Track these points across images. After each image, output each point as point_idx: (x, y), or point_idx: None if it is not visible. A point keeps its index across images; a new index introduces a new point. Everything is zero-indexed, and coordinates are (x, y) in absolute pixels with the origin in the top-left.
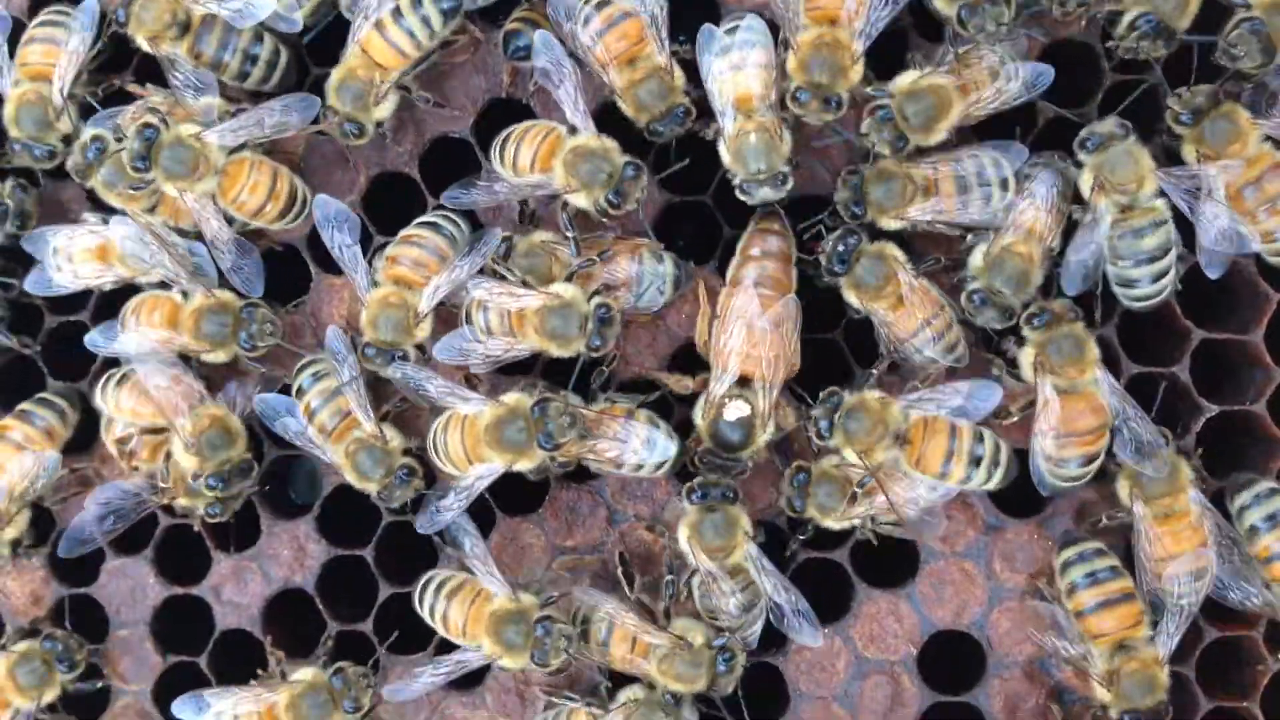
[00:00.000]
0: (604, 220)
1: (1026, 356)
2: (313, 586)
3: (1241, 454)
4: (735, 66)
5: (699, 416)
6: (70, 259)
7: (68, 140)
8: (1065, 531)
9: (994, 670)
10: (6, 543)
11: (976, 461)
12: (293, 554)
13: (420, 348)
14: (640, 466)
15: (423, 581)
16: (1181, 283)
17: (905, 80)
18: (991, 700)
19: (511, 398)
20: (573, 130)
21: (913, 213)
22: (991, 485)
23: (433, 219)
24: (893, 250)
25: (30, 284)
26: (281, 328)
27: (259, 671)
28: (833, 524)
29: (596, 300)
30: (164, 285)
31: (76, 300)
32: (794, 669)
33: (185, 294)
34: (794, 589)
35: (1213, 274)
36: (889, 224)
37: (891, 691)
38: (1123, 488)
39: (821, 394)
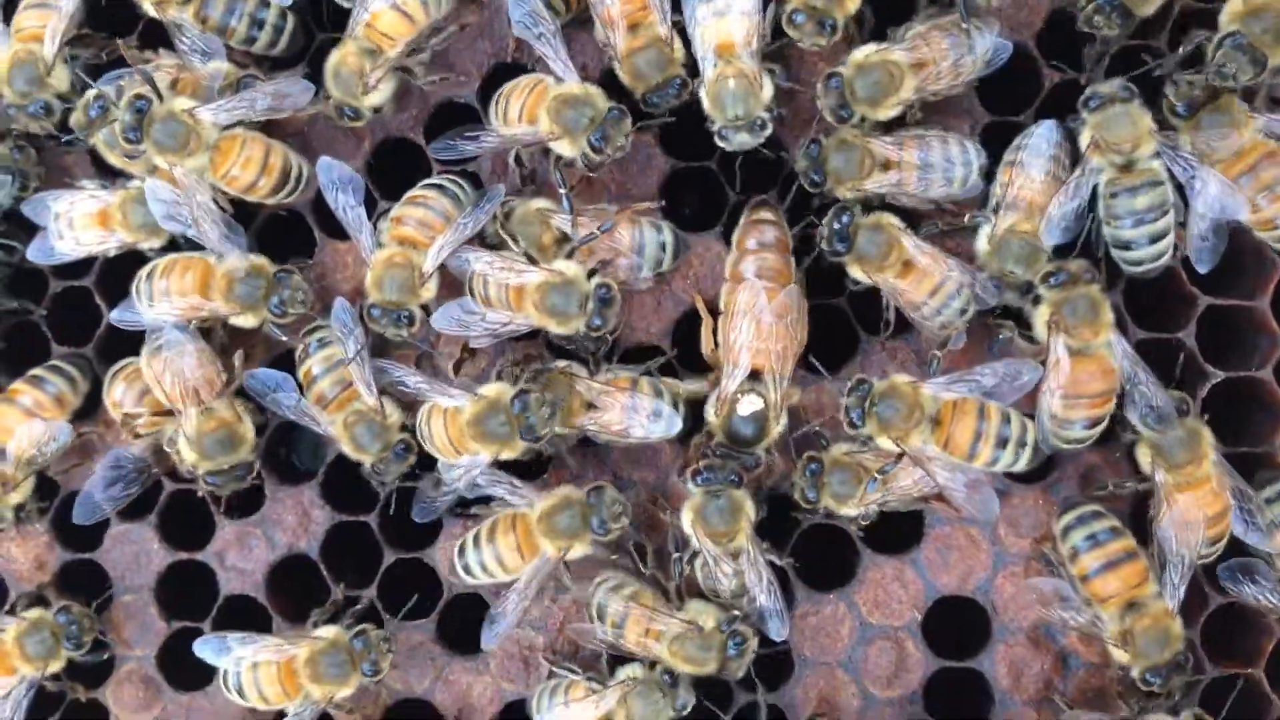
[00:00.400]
0: (591, 172)
1: (1041, 315)
2: (317, 553)
3: (1247, 420)
4: (719, 13)
5: (712, 413)
6: (71, 225)
7: (66, 100)
8: (1065, 498)
9: (999, 636)
10: (10, 507)
11: (1004, 442)
12: (297, 520)
13: (425, 309)
14: (647, 439)
15: None
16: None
17: (860, 54)
18: (996, 666)
19: (492, 390)
20: (559, 80)
21: (870, 185)
22: (1019, 466)
23: (438, 181)
24: (889, 218)
25: (33, 253)
26: (312, 297)
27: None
28: (850, 511)
29: (598, 280)
30: (171, 247)
31: (81, 265)
32: (798, 635)
33: (220, 255)
34: (777, 592)
35: (1202, 268)
36: (845, 194)
37: (896, 657)
38: (1143, 455)
39: (850, 382)
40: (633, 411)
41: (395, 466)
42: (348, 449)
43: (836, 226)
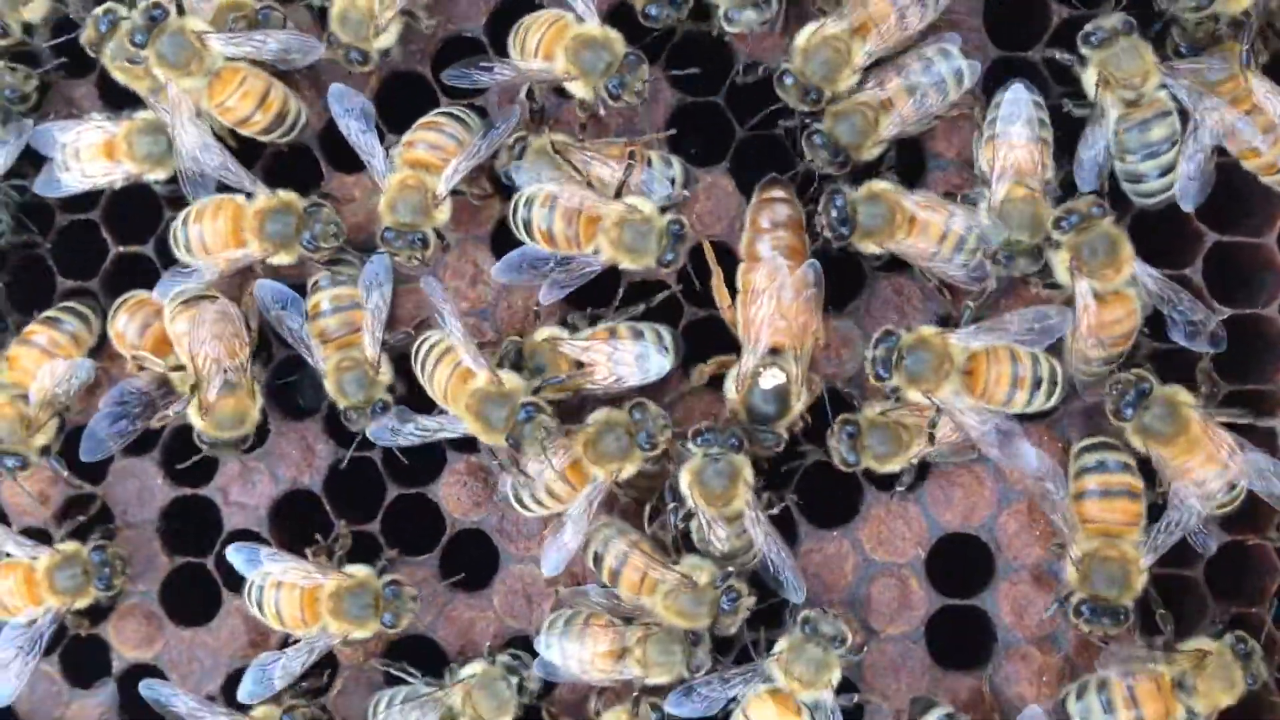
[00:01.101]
0: (601, 115)
1: (1061, 261)
2: (320, 487)
3: (1254, 358)
4: None
5: (732, 390)
6: (77, 156)
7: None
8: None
9: (1002, 574)
10: (34, 449)
11: (1038, 385)
12: (300, 454)
13: (439, 233)
14: (645, 381)
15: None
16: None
17: (801, 38)
18: (999, 604)
19: (511, 382)
20: (579, 20)
21: (884, 133)
22: (1050, 405)
23: (450, 109)
24: (880, 184)
25: (39, 186)
26: (344, 228)
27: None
28: (894, 469)
29: (670, 216)
30: (172, 182)
31: (88, 199)
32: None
33: (249, 195)
34: (786, 549)
35: (1188, 205)
36: (871, 154)
37: (899, 594)
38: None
39: (876, 334)
40: (617, 361)
41: (366, 421)
42: (330, 388)
43: (834, 213)
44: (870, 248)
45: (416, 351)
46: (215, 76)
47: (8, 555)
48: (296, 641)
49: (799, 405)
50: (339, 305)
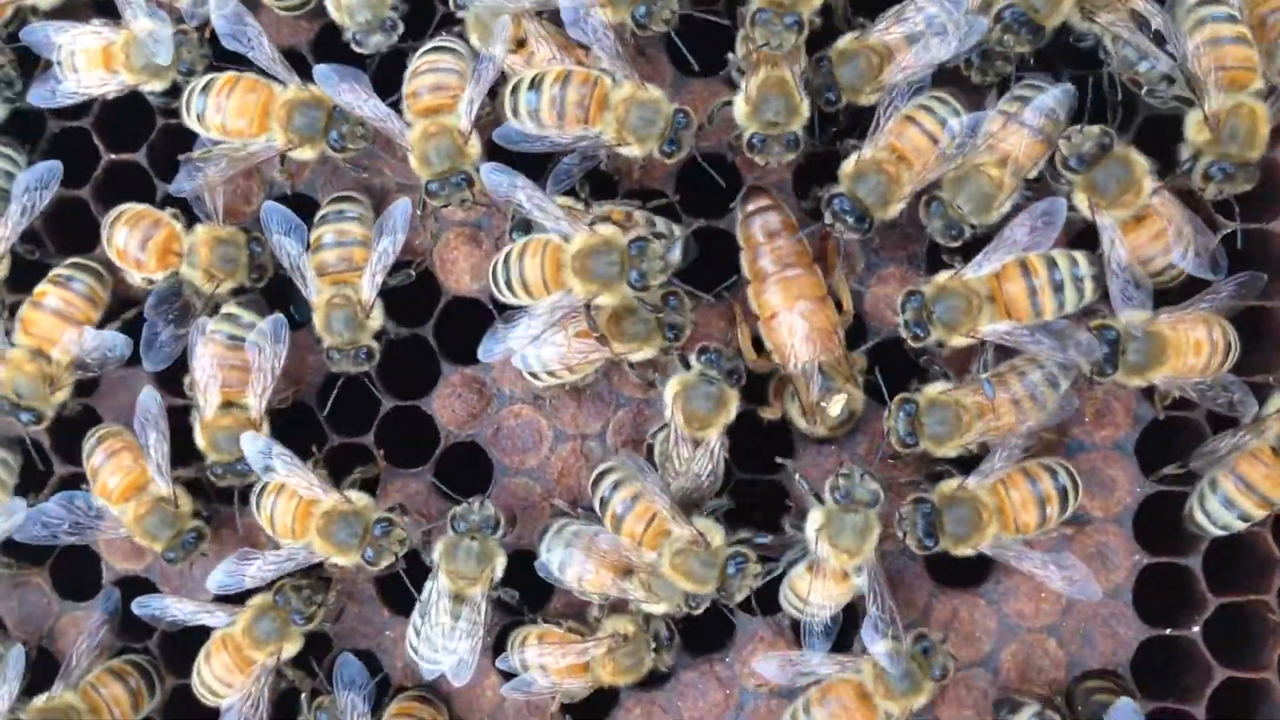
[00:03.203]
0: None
1: (1080, 201)
2: (314, 399)
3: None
4: None
5: (803, 424)
6: (75, 67)
7: None
8: None
9: None
10: (53, 405)
11: (1060, 286)
12: (293, 365)
13: (477, 169)
14: None
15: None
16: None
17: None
18: None
19: (608, 229)
20: None
21: (885, 78)
22: (1090, 298)
23: (434, 43)
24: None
25: (34, 96)
26: (372, 133)
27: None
28: (950, 453)
29: (677, 105)
30: (173, 92)
31: (79, 107)
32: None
33: (282, 83)
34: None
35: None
36: (869, 100)
37: None
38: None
39: (900, 299)
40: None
41: (348, 364)
42: (318, 323)
43: (834, 208)
44: (949, 452)
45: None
46: None
47: None
48: (281, 547)
49: (860, 397)
50: (342, 240)
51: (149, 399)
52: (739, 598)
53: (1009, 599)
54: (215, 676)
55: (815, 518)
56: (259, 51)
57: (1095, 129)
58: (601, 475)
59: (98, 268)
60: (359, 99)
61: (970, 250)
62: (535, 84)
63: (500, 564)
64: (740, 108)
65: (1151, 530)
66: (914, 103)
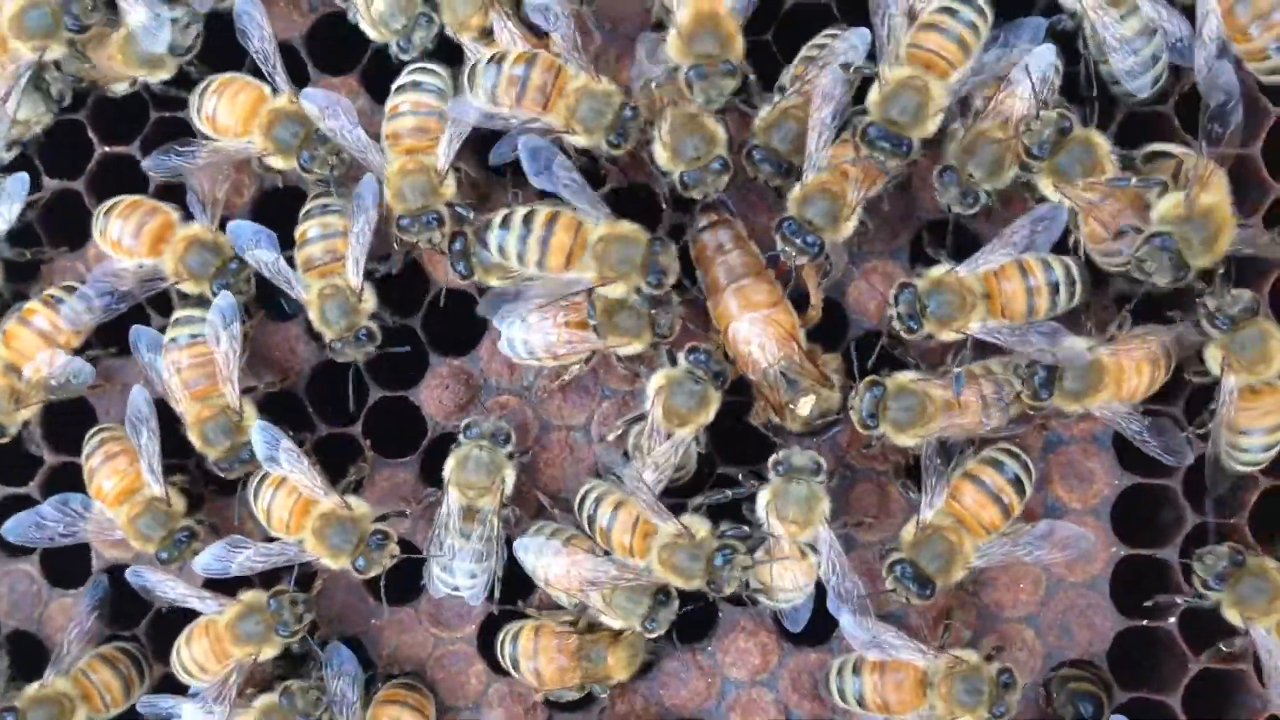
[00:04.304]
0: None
1: (1047, 188)
2: (303, 390)
3: (1239, 272)
4: None
5: (777, 422)
6: None
7: None
8: None
9: None
10: (17, 423)
11: (1055, 288)
12: (284, 356)
13: (453, 206)
14: None
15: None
16: (1181, 97)
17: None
18: None
19: (627, 226)
20: None
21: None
22: (1076, 302)
23: (414, 78)
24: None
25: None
26: (346, 164)
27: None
28: (908, 441)
29: (629, 102)
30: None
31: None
32: None
33: (275, 88)
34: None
35: (1142, 93)
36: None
37: (878, 500)
38: (1213, 356)
39: (893, 291)
40: None
41: (352, 350)
42: (314, 318)
43: (790, 235)
44: (906, 441)
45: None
46: None
47: None
48: (273, 540)
49: (835, 395)
50: (326, 232)
51: (139, 397)
52: (729, 589)
53: (987, 590)
54: (192, 659)
55: (763, 495)
56: (261, 51)
57: (1053, 114)
58: (583, 498)
59: (90, 294)
60: (341, 127)
61: (961, 245)
62: (496, 61)
63: (509, 477)
64: (661, 154)
65: (1129, 523)
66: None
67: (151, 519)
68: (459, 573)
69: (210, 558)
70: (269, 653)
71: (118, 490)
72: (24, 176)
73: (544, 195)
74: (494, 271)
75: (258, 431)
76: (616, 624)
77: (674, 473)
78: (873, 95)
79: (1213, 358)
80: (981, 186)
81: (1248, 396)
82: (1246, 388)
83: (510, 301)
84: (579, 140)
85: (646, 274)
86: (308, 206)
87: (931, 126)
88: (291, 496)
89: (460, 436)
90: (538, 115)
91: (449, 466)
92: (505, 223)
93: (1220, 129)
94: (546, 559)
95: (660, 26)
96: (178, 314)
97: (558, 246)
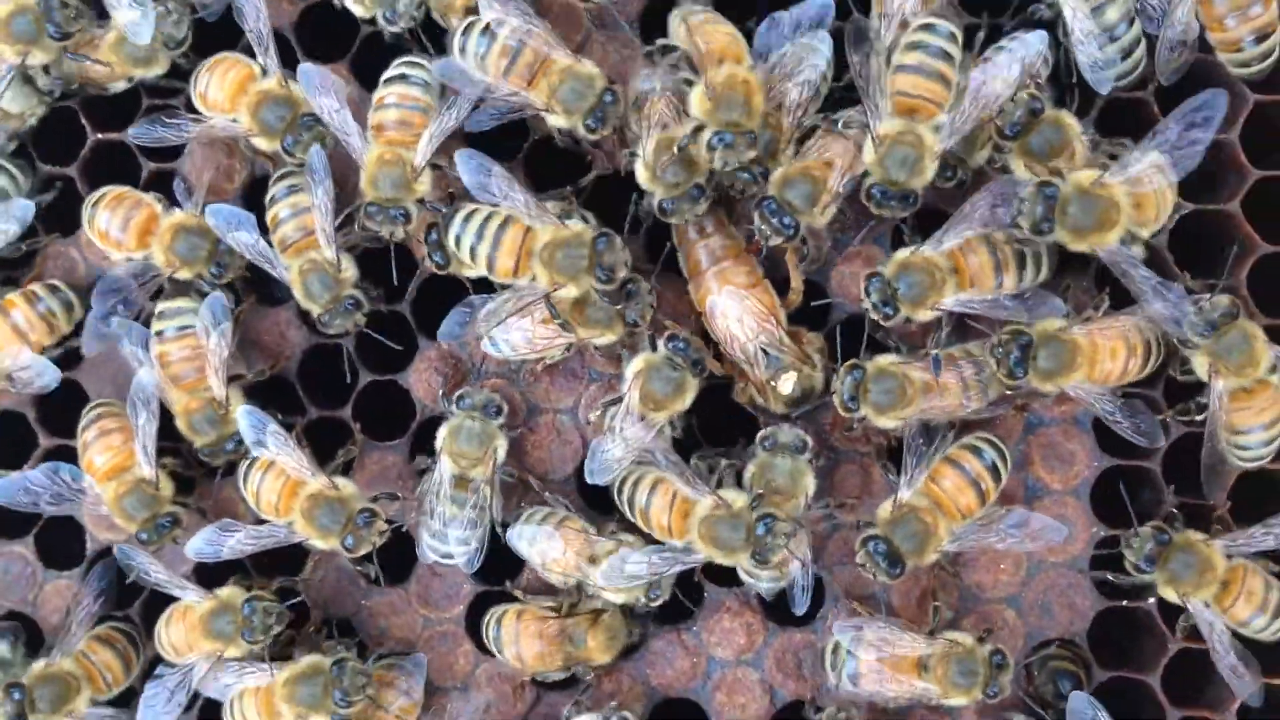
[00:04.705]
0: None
1: (1018, 167)
2: (294, 374)
3: (1216, 254)
4: None
5: (760, 401)
6: None
7: None
8: None
9: None
10: None
11: (1023, 261)
12: (274, 341)
13: (422, 202)
14: None
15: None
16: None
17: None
18: None
19: (577, 225)
20: None
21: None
22: (1044, 275)
23: (401, 70)
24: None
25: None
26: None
27: None
28: (888, 423)
29: (610, 89)
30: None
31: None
32: None
33: (264, 71)
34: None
35: (1102, 89)
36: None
37: (861, 481)
38: (1200, 364)
39: (864, 276)
40: None
41: (341, 320)
42: (298, 295)
43: (774, 222)
44: (887, 423)
45: None
46: None
47: None
48: (263, 523)
49: (818, 375)
50: (296, 211)
51: (147, 380)
52: (775, 559)
53: (969, 571)
54: (170, 642)
55: (750, 469)
56: (255, 31)
57: (1024, 95)
58: (621, 483)
59: (70, 298)
60: (330, 107)
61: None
62: (489, 30)
63: (501, 446)
64: (642, 174)
65: (1109, 503)
66: None
67: (138, 499)
68: (451, 540)
69: (202, 542)
70: (233, 653)
71: (108, 467)
72: (30, 205)
73: None
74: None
75: (244, 416)
76: (619, 598)
77: (639, 454)
78: (869, 154)
79: (1199, 365)
80: (963, 161)
81: (1240, 397)
82: (1238, 389)
83: (470, 320)
84: (558, 121)
85: (594, 273)
86: (272, 190)
87: (931, 172)
88: (280, 479)
89: (452, 407)
90: (520, 89)
91: (441, 435)
92: (467, 218)
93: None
94: (542, 544)
95: (665, 50)
96: (163, 305)
97: (509, 247)
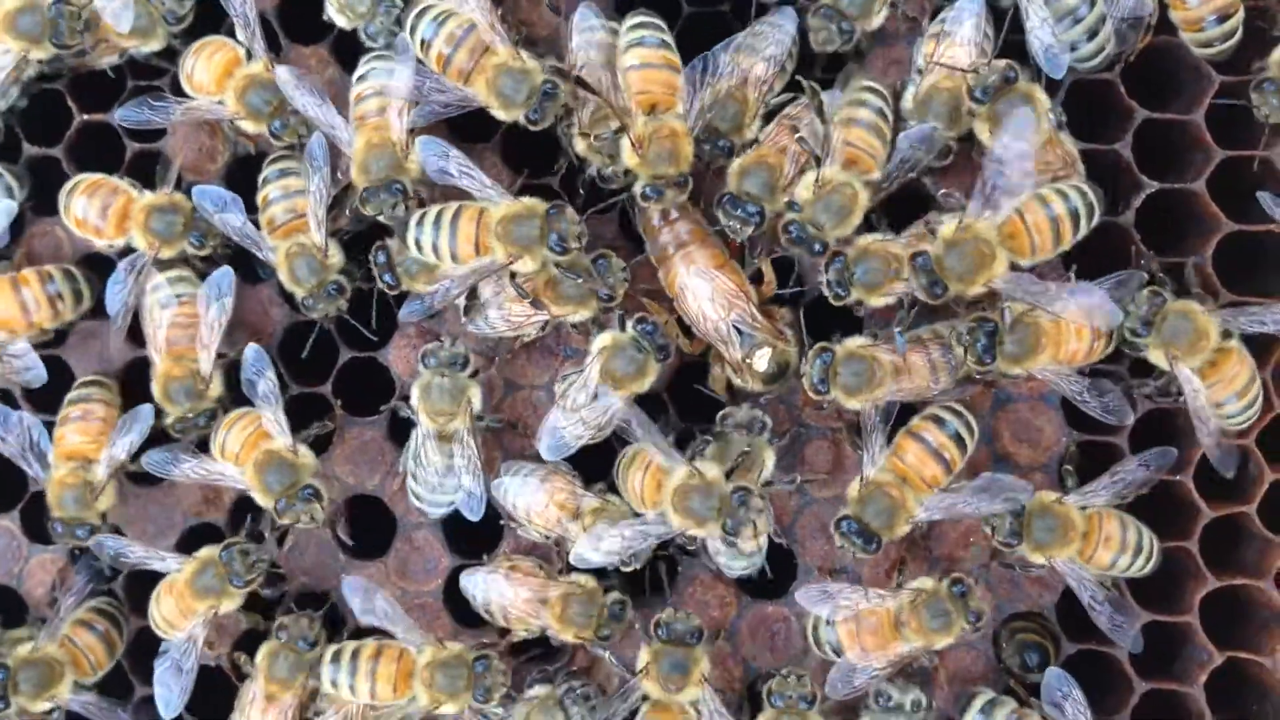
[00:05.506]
0: None
1: (982, 132)
2: (274, 350)
3: (1181, 234)
4: None
5: (738, 382)
6: None
7: None
8: None
9: None
10: None
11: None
12: (256, 319)
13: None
14: None
15: None
16: (1127, 64)
17: None
18: None
19: (528, 200)
20: None
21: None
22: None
23: (370, 67)
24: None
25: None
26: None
27: None
28: (857, 406)
29: (548, 77)
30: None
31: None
32: None
33: (250, 53)
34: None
35: (1056, 73)
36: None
37: (833, 457)
38: (1157, 358)
39: (825, 260)
40: None
41: (324, 304)
42: (283, 276)
43: (739, 218)
44: (857, 405)
45: None
46: None
47: None
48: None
49: (792, 349)
50: (287, 193)
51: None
52: (746, 533)
53: (938, 544)
54: (163, 617)
55: (710, 449)
56: (241, 14)
57: (1001, 62)
58: (619, 461)
59: (82, 288)
60: (313, 102)
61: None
62: (440, 19)
63: (476, 395)
64: (580, 145)
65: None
66: None
67: (74, 496)
68: (447, 490)
69: (159, 457)
70: (229, 605)
71: (70, 449)
72: (12, 206)
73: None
74: (419, 277)
75: (251, 350)
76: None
77: (595, 433)
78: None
79: (1157, 359)
80: (945, 137)
81: (1207, 373)
82: (1204, 365)
83: (427, 304)
84: (500, 115)
85: (547, 244)
86: (265, 172)
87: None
88: (248, 430)
89: (419, 367)
90: (459, 86)
91: (414, 395)
92: (420, 221)
93: None
94: (527, 496)
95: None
96: (169, 274)
97: (464, 236)
